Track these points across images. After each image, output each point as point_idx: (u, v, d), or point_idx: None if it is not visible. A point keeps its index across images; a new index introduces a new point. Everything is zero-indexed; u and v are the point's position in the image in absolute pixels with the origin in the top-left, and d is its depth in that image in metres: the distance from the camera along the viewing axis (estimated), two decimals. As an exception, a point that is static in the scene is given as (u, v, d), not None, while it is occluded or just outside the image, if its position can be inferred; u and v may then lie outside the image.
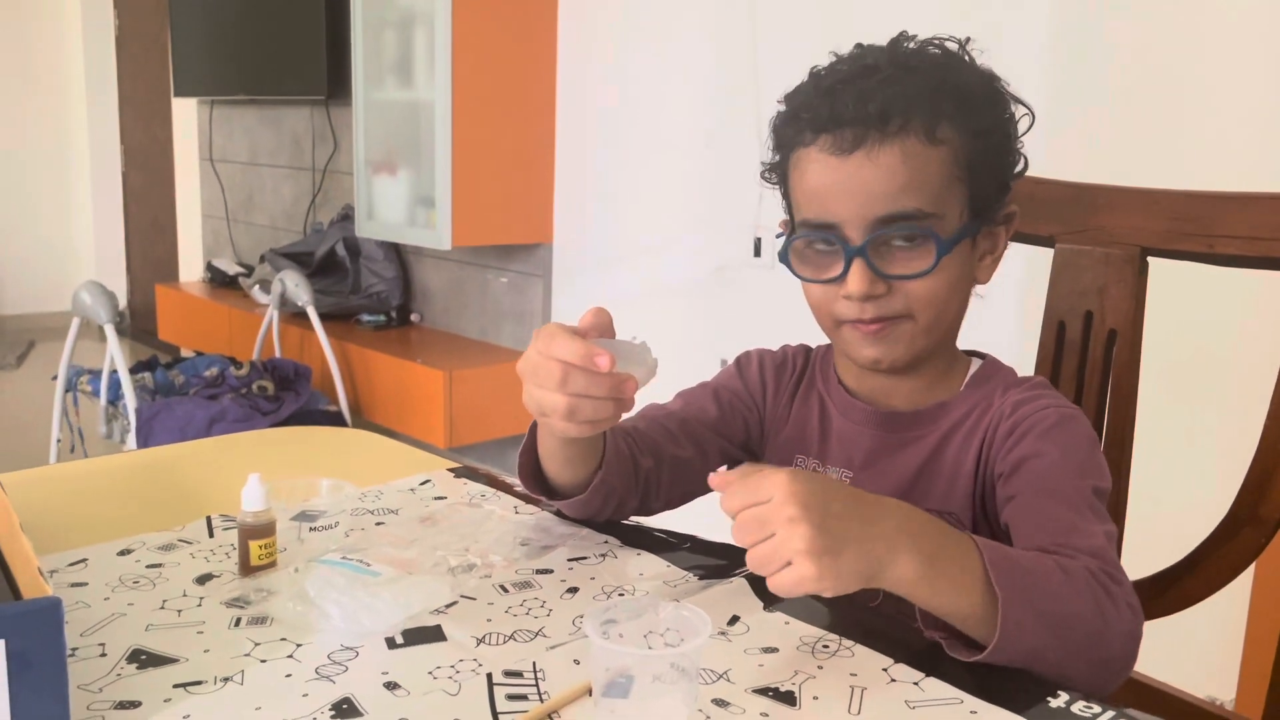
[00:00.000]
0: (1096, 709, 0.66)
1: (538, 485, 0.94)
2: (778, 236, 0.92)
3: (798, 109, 0.86)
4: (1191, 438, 1.77)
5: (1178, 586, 1.04)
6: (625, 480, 0.91)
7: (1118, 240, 1.07)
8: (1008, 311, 1.57)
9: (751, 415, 1.00)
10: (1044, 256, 1.11)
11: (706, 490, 1.00)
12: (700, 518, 0.99)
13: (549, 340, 0.77)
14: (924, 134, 0.82)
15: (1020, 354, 1.07)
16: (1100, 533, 0.78)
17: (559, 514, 0.97)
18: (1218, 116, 1.77)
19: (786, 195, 0.91)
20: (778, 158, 0.91)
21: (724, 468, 0.69)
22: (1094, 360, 1.09)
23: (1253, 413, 1.02)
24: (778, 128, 0.89)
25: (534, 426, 0.90)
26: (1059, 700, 0.68)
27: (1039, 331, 1.12)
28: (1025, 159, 0.89)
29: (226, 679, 0.68)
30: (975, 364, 0.95)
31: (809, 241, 0.87)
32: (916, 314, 0.85)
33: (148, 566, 0.85)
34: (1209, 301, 1.65)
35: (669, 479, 0.94)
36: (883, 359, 0.87)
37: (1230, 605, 1.74)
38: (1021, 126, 0.88)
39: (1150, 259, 1.06)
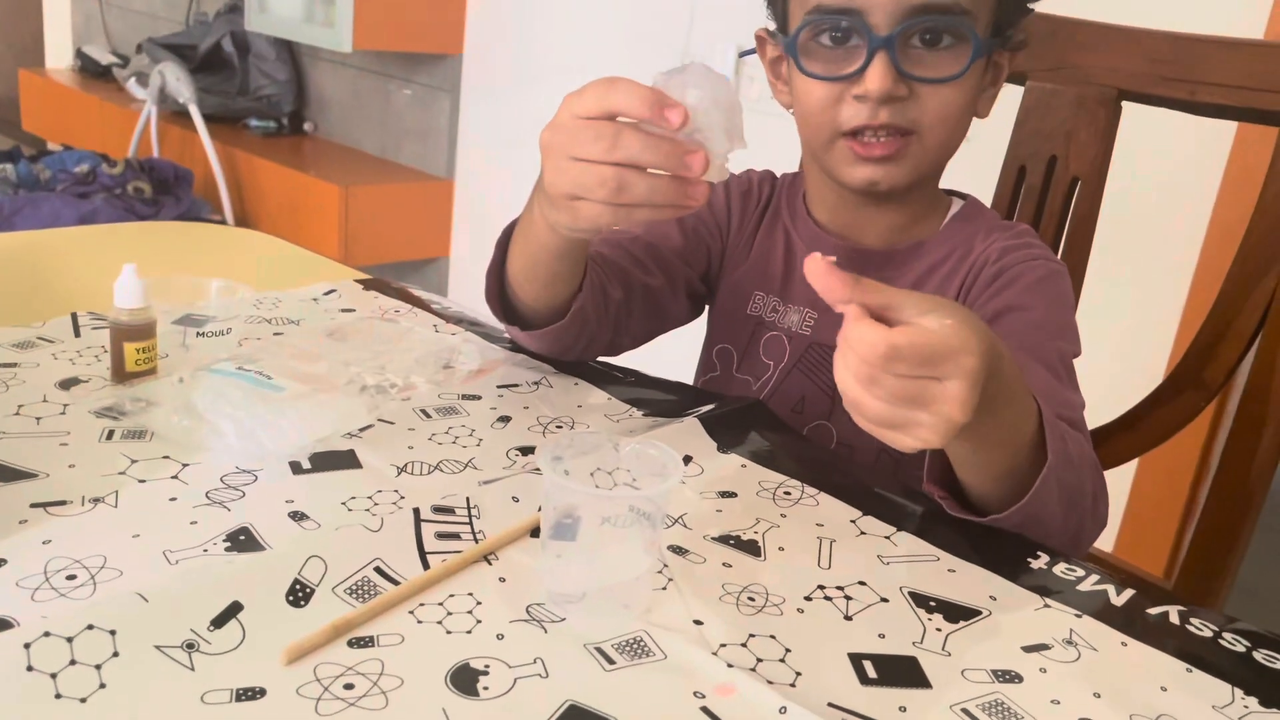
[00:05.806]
0: (1080, 572, 0.62)
1: (503, 309, 0.80)
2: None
3: None
4: (1142, 295, 1.74)
5: (1112, 443, 1.02)
6: (599, 311, 0.79)
7: (1093, 81, 0.99)
8: (963, 150, 1.48)
9: (715, 244, 0.90)
10: (1011, 95, 1.02)
11: (675, 325, 0.90)
12: (646, 354, 0.90)
13: (606, 89, 0.58)
14: None
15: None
16: (1079, 404, 0.74)
17: (513, 346, 0.85)
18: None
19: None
20: None
21: (818, 254, 0.51)
22: (1052, 209, 1.03)
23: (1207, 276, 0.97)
24: None
25: (506, 237, 0.75)
26: (1039, 562, 0.62)
27: (996, 175, 1.05)
28: None
29: (97, 500, 0.57)
30: (956, 204, 0.87)
31: (819, 32, 0.75)
32: (926, 130, 0.75)
33: (1, 366, 0.73)
34: (1175, 153, 1.59)
35: (640, 311, 0.84)
36: (882, 181, 0.77)
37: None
38: None
39: (1125, 104, 0.99)
